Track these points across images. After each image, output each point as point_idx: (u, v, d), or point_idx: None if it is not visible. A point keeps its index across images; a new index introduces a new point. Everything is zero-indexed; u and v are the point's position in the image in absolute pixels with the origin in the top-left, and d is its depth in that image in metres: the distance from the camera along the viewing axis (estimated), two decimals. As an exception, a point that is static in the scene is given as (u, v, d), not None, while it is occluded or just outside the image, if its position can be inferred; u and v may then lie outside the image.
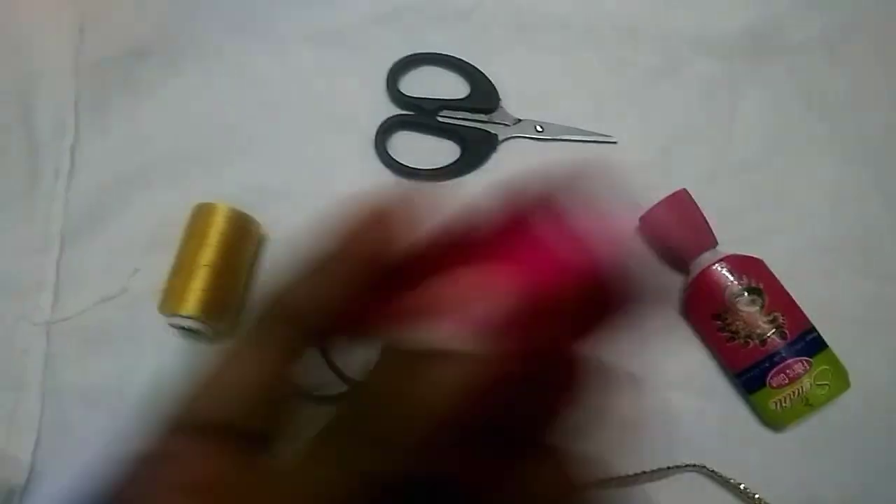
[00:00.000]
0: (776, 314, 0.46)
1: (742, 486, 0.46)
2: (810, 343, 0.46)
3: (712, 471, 0.46)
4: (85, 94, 0.53)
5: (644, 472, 0.45)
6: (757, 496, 0.46)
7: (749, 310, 0.46)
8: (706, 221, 0.48)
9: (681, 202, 0.48)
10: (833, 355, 0.46)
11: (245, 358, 0.20)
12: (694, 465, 0.46)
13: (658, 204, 0.48)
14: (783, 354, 0.45)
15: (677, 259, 0.49)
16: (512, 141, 0.53)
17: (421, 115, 0.54)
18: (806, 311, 0.47)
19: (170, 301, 0.45)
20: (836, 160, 0.53)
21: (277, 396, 0.20)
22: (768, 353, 0.45)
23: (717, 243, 0.48)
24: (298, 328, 0.20)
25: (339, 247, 0.21)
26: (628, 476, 0.45)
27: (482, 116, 0.54)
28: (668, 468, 0.46)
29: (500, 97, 0.54)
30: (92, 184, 0.51)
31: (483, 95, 0.54)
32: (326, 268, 0.20)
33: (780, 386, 0.45)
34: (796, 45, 0.56)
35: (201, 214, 0.47)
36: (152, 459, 0.19)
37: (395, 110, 0.54)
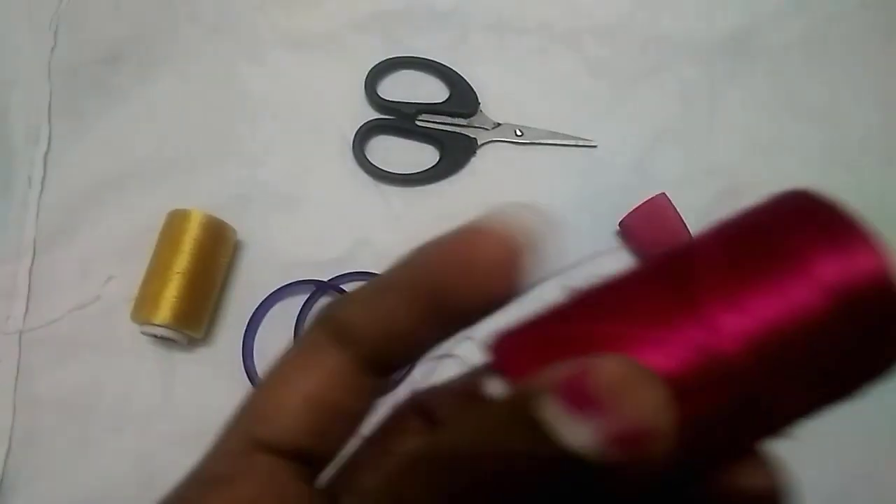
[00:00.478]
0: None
1: None
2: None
3: None
4: (59, 99, 0.52)
5: None
6: None
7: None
8: (685, 225, 0.48)
9: (660, 206, 0.48)
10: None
11: (299, 373, 0.17)
12: None
13: (637, 208, 0.48)
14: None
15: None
16: (491, 145, 0.53)
17: (400, 119, 0.53)
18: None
19: (142, 309, 0.44)
20: (815, 162, 0.53)
21: (337, 418, 0.17)
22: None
23: (696, 247, 0.48)
24: (353, 348, 0.17)
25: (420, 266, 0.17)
26: None
27: (461, 120, 0.53)
28: None
29: (480, 101, 0.53)
30: (66, 190, 0.50)
31: (462, 99, 0.53)
32: (403, 287, 0.17)
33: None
34: (776, 47, 0.56)
35: (175, 221, 0.46)
36: (209, 481, 0.17)
37: (374, 114, 0.53)
